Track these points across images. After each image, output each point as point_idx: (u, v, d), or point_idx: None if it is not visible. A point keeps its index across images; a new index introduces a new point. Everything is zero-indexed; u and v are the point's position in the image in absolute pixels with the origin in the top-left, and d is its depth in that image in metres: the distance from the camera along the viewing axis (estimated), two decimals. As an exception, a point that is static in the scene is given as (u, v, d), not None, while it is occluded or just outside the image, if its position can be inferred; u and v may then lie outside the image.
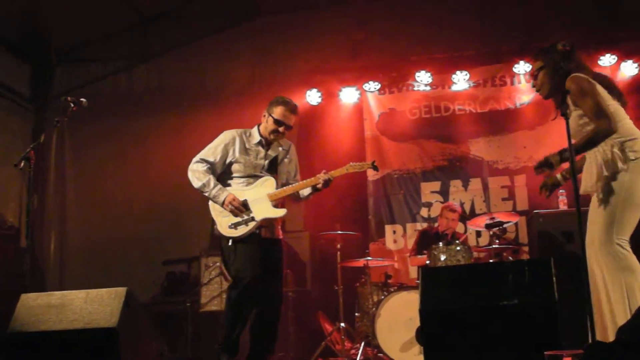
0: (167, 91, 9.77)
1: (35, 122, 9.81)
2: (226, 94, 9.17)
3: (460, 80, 8.85)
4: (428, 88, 9.04)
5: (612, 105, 4.30)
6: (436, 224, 7.99)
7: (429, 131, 9.07)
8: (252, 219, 5.07)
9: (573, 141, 4.09)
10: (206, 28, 9.71)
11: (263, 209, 5.09)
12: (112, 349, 3.93)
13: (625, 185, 4.14)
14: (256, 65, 9.44)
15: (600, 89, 4.29)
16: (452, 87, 8.96)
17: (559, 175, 4.67)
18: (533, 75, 4.62)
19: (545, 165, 4.28)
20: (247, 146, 5.29)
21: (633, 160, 4.16)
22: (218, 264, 7.75)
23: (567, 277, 4.28)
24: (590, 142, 4.20)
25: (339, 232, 7.31)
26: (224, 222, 5.10)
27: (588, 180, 4.35)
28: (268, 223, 5.18)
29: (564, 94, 4.07)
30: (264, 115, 5.34)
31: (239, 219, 5.06)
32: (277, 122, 5.24)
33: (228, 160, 5.25)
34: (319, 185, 5.22)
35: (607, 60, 8.45)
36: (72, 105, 5.17)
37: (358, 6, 9.12)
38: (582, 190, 4.37)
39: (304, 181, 5.29)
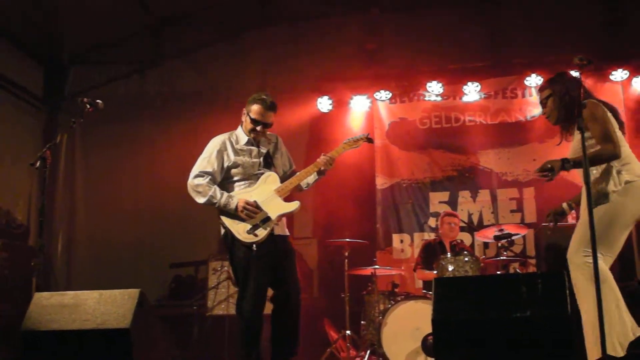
0: (178, 95, 9.82)
1: (47, 122, 9.86)
2: (237, 100, 9.06)
3: (472, 92, 8.90)
4: (439, 98, 9.08)
5: (618, 132, 4.48)
6: (437, 234, 8.01)
7: (439, 141, 9.11)
8: (268, 218, 4.91)
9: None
10: (218, 34, 9.79)
11: (276, 207, 4.97)
12: (125, 349, 3.94)
13: (615, 205, 4.29)
14: (268, 72, 9.48)
15: (610, 116, 4.48)
16: (463, 98, 9.01)
17: (564, 205, 4.83)
18: (542, 103, 4.81)
19: (548, 170, 4.38)
20: (238, 148, 5.15)
21: (628, 182, 4.32)
22: (226, 268, 7.74)
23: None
24: (595, 159, 4.33)
25: (347, 240, 7.33)
26: (240, 229, 4.91)
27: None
28: (280, 218, 5.04)
29: (579, 113, 4.17)
30: (243, 114, 5.19)
31: (255, 222, 4.90)
32: (254, 122, 5.09)
33: (225, 165, 5.10)
34: (323, 168, 5.10)
35: (618, 75, 8.50)
36: (88, 106, 5.17)
37: (371, 16, 9.16)
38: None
39: (307, 168, 5.14)
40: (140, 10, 9.49)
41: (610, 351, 3.94)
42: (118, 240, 9.28)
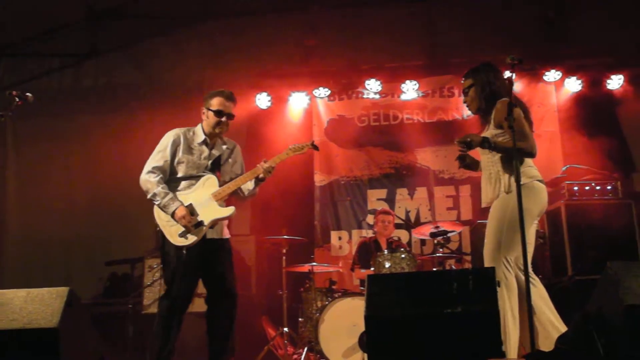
0: (115, 89, 9.62)
1: (-25, 116, 9.52)
2: (175, 95, 9.06)
3: (410, 90, 8.98)
4: (377, 96, 9.15)
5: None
6: (374, 232, 8.05)
7: (377, 139, 9.18)
8: (201, 223, 4.93)
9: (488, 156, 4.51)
10: (157, 28, 9.63)
11: (210, 211, 4.97)
12: (52, 349, 3.84)
13: (512, 208, 4.31)
14: (206, 67, 9.36)
15: (521, 113, 4.54)
16: (401, 96, 9.09)
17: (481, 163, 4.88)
18: (464, 91, 4.93)
19: (467, 143, 4.49)
20: (192, 145, 5.15)
21: (523, 184, 4.34)
22: (162, 265, 7.63)
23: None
24: (509, 150, 4.38)
25: (285, 237, 7.33)
26: (172, 231, 4.94)
27: (485, 195, 4.69)
28: (214, 223, 5.05)
29: (510, 106, 4.22)
30: (203, 112, 5.21)
31: (188, 227, 4.91)
32: (218, 113, 5.11)
33: (176, 160, 5.11)
34: (261, 175, 5.11)
35: (552, 76, 8.71)
36: (17, 99, 5.00)
37: (310, 13, 9.14)
38: (483, 204, 4.75)
39: (245, 174, 5.16)
40: (77, 1, 9.27)
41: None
42: (52, 237, 9.05)
